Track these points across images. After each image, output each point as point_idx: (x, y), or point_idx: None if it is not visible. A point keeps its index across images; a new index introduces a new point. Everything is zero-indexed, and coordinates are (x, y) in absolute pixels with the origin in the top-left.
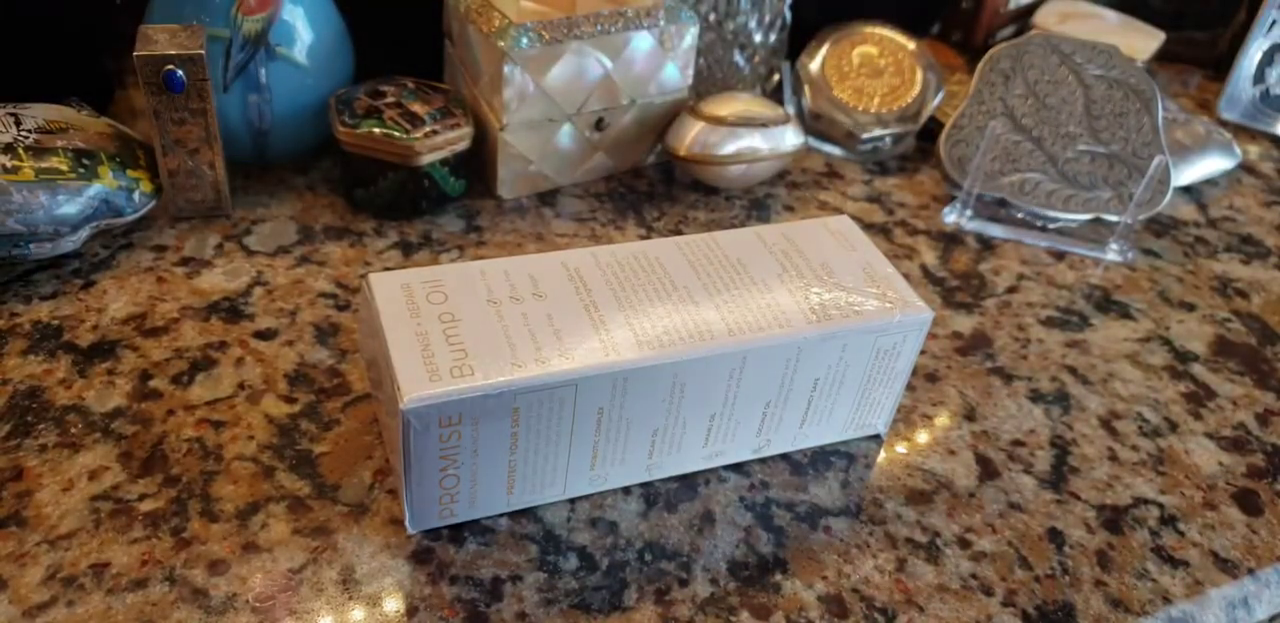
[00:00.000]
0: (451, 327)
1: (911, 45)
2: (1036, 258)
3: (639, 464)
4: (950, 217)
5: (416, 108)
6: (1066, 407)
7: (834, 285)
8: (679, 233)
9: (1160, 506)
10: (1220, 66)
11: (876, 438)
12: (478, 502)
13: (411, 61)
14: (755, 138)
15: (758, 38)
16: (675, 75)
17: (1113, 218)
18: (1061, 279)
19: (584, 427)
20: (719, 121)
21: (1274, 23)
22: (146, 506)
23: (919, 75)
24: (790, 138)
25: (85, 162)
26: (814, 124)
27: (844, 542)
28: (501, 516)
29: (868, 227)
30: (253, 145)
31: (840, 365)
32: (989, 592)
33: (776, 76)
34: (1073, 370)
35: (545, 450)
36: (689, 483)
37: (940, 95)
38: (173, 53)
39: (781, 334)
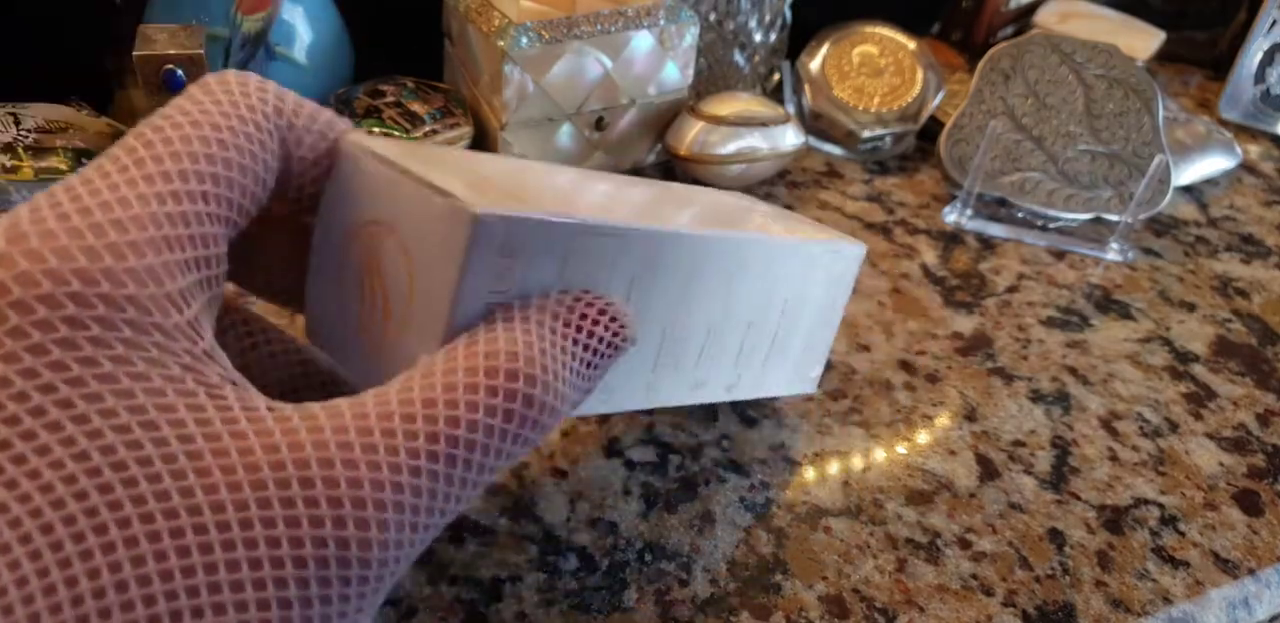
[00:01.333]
0: (478, 174)
1: (912, 45)
2: (1037, 258)
3: (641, 376)
4: (950, 216)
5: (416, 107)
6: (1067, 407)
7: (796, 221)
8: None
9: (1161, 506)
10: (1221, 66)
11: (875, 437)
12: None
13: (411, 61)
14: (755, 137)
15: (758, 37)
16: (675, 75)
17: (1113, 218)
18: (1062, 279)
19: (615, 293)
20: (719, 121)
21: (1274, 22)
22: None
23: (919, 75)
24: (790, 137)
25: (85, 161)
26: (814, 124)
27: (844, 542)
28: (501, 515)
29: (868, 226)
30: None
31: (803, 286)
32: (989, 592)
33: (776, 76)
34: (1073, 370)
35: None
36: (689, 483)
37: (940, 95)
38: (172, 52)
39: (773, 237)
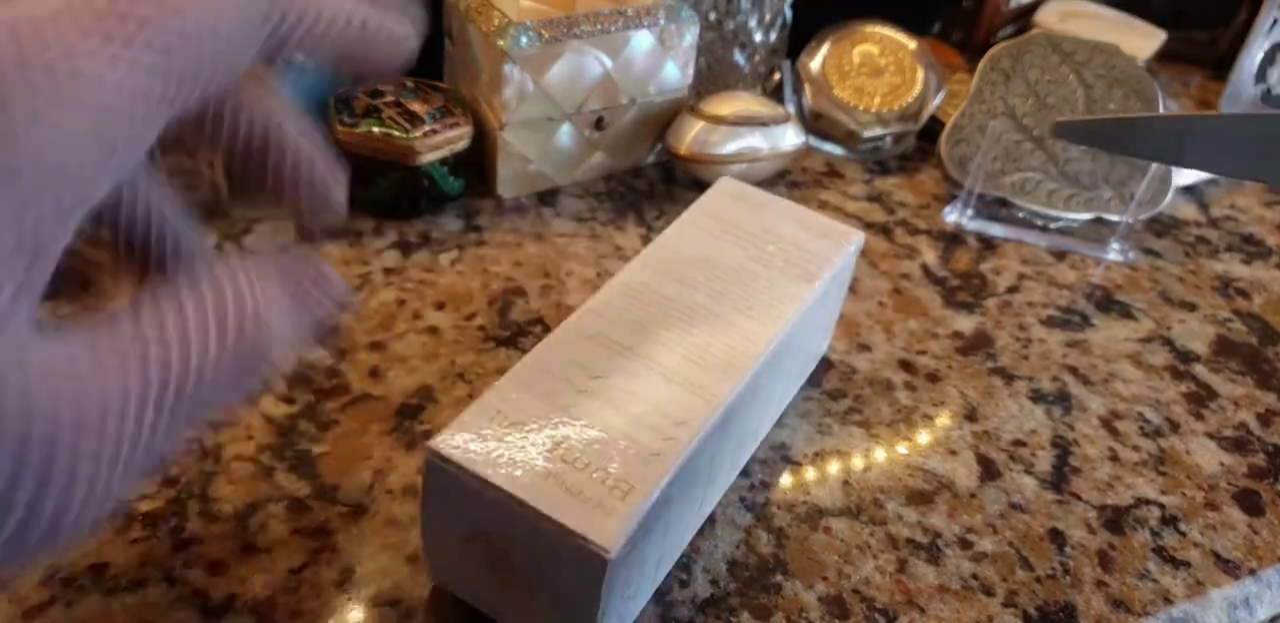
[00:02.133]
0: (559, 451)
1: (912, 44)
2: (1037, 258)
3: (694, 512)
4: (951, 216)
5: (416, 107)
6: (1068, 407)
7: (788, 244)
8: None
9: (1161, 506)
10: (1221, 66)
11: (875, 437)
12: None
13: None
14: (755, 137)
15: (758, 37)
16: (675, 74)
17: (1114, 217)
18: (1063, 279)
19: (699, 475)
20: (719, 121)
21: (1275, 22)
22: (145, 506)
23: (920, 74)
24: (790, 137)
25: None
26: (814, 123)
27: (844, 542)
28: None
29: (868, 226)
30: None
31: (823, 304)
32: (990, 592)
33: (777, 76)
34: (1074, 370)
35: (681, 514)
36: None
37: (941, 95)
38: None
39: (799, 307)
